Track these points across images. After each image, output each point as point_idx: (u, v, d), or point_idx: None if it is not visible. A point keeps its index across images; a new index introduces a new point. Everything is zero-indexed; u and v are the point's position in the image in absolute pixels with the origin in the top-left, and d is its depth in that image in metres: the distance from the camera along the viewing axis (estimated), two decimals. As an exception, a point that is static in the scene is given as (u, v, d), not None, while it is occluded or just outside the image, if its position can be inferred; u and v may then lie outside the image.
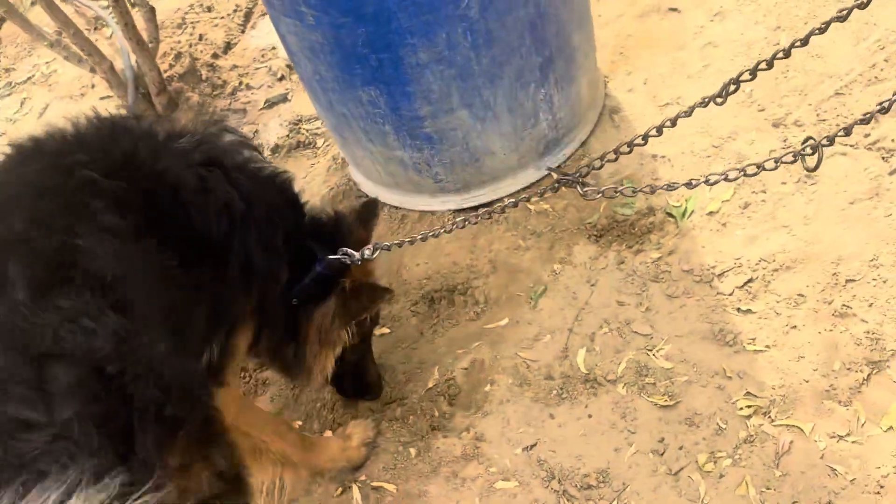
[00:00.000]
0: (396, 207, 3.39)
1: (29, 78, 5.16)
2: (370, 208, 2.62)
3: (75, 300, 1.57)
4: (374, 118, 2.97)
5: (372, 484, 2.57)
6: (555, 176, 2.12)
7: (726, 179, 1.85)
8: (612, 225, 3.00)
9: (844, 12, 1.55)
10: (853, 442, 2.25)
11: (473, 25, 2.66)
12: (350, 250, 2.32)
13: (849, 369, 2.38)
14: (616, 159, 1.98)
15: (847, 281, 2.56)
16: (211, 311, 2.05)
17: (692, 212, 2.93)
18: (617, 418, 2.48)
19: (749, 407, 2.40)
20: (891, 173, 2.76)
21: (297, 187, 2.45)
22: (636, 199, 3.05)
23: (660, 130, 1.93)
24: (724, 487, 2.27)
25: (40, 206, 1.75)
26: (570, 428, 2.51)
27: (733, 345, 2.54)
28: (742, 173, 1.82)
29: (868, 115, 1.63)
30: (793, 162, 1.71)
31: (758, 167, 1.81)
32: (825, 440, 2.28)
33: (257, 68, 4.48)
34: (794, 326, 2.52)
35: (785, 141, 2.99)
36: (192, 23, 4.81)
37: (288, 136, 4.01)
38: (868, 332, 2.43)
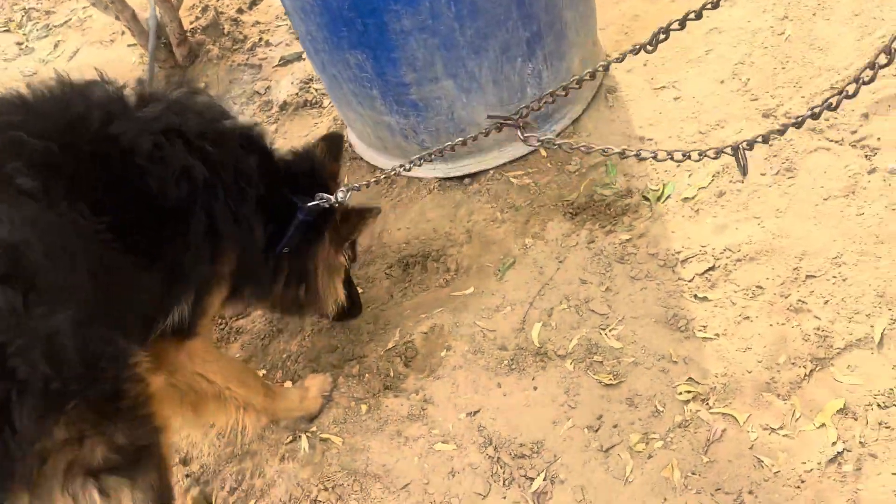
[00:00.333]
0: (384, 170, 3.45)
1: (66, 21, 5.32)
2: (335, 140, 2.72)
3: None
4: (362, 82, 3.03)
5: (320, 435, 2.66)
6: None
7: (655, 159, 1.84)
8: (588, 204, 3.02)
9: None
10: (784, 435, 2.27)
11: (457, -5, 2.69)
12: (326, 195, 2.42)
13: (793, 364, 2.38)
14: (566, 94, 1.94)
15: (807, 276, 2.55)
16: (169, 275, 2.09)
17: (668, 196, 2.93)
18: (560, 392, 2.53)
19: (689, 392, 2.42)
20: (870, 172, 2.72)
21: (268, 140, 2.51)
22: (616, 180, 3.07)
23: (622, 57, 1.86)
24: (650, 468, 2.30)
25: None
26: (514, 398, 2.56)
27: (685, 331, 2.56)
28: (669, 157, 1.82)
29: (799, 119, 1.61)
30: (715, 158, 1.70)
31: (684, 155, 1.81)
32: (757, 431, 2.29)
33: (278, 26, 4.56)
34: (747, 317, 2.52)
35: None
36: (221, -24, 4.91)
37: (297, 94, 4.09)
38: (818, 329, 2.42)
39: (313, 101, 4.03)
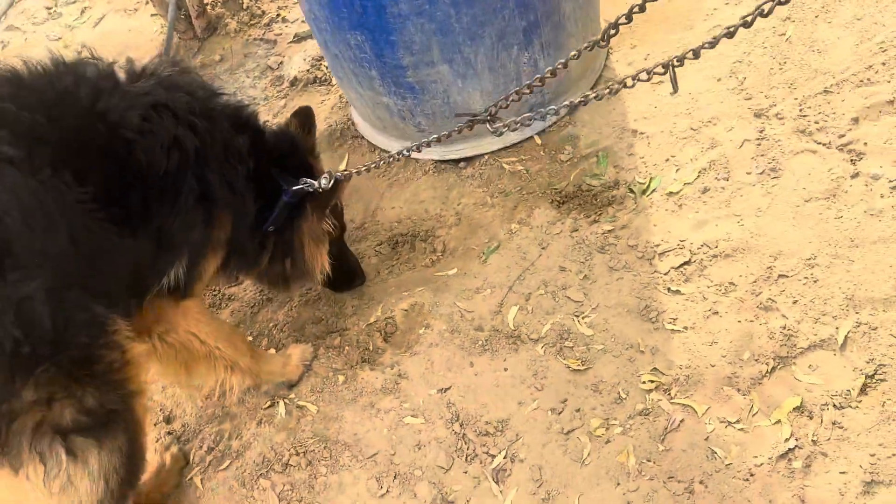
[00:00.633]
0: (384, 150, 3.53)
1: (93, -12, 5.45)
2: (307, 114, 2.77)
3: None
4: (362, 62, 3.10)
5: (297, 402, 2.76)
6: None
7: (593, 99, 1.84)
8: (576, 193, 3.08)
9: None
10: (740, 429, 2.32)
11: (453, -18, 2.75)
12: (310, 180, 2.48)
13: (756, 360, 2.43)
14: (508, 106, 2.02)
15: (780, 276, 2.59)
16: (160, 241, 2.15)
17: (653, 190, 2.98)
18: (529, 375, 2.60)
19: (652, 382, 2.48)
20: (853, 176, 2.74)
21: (261, 120, 2.59)
22: (606, 171, 3.12)
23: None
24: (607, 452, 2.37)
25: None
26: (485, 378, 2.64)
27: (655, 322, 2.61)
28: (608, 91, 1.84)
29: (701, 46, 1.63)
30: (647, 80, 1.73)
31: (619, 84, 1.82)
32: (714, 423, 2.35)
33: (295, 3, 4.63)
34: (717, 312, 2.57)
35: (762, 132, 2.99)
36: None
37: (308, 70, 4.17)
38: (784, 328, 2.46)
39: (323, 78, 4.11)
